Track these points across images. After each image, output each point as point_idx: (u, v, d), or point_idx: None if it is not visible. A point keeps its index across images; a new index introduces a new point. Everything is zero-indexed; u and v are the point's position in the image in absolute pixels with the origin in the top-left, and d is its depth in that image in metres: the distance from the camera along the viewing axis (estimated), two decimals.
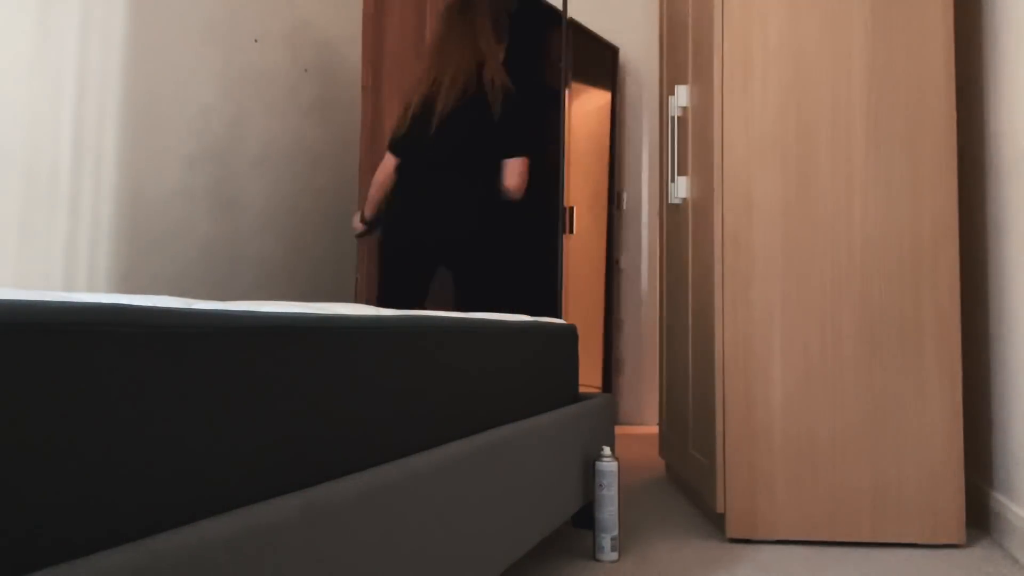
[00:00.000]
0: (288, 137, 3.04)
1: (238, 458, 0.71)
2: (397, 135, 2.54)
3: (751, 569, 1.65)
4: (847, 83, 1.93)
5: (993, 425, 1.97)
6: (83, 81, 2.18)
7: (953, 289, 1.87)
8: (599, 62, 4.05)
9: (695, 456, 2.15)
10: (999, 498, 1.89)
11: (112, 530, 0.58)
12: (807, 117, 1.93)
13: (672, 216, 2.59)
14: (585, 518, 1.92)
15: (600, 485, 1.68)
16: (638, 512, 2.15)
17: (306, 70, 3.15)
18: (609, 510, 1.68)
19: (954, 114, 1.91)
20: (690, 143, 2.29)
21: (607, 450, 1.72)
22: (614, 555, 1.69)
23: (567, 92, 3.65)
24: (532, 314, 2.58)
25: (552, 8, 3.11)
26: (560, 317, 2.64)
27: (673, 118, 2.42)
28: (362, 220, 2.65)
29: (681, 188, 2.33)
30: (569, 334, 1.90)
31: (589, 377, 4.03)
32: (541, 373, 1.65)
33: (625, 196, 4.17)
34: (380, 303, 2.53)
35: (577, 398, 1.95)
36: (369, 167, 2.79)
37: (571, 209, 3.50)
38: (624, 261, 4.15)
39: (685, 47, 2.41)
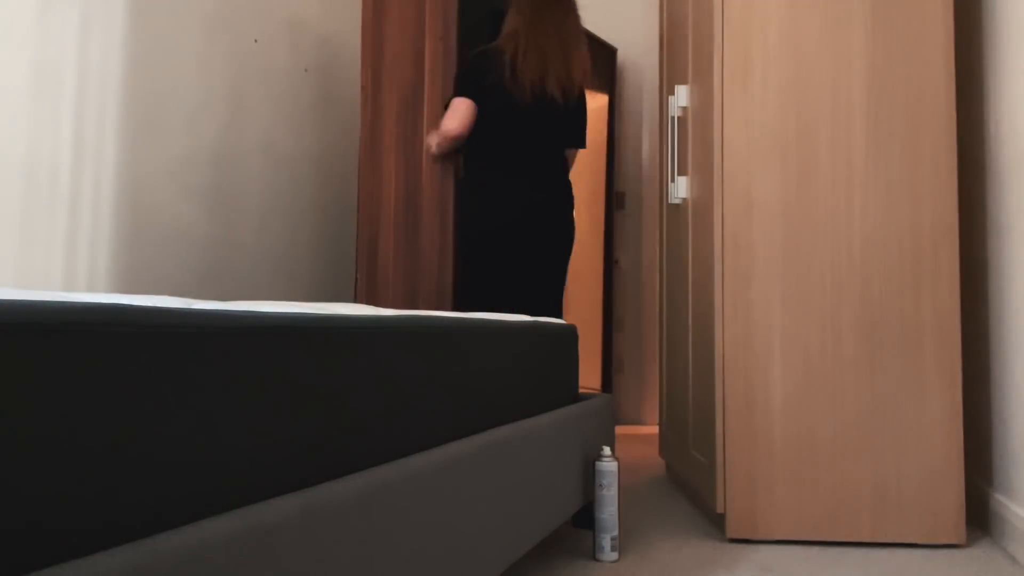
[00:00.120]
0: (288, 137, 3.04)
1: (238, 458, 0.71)
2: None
3: (751, 569, 1.65)
4: (847, 83, 1.93)
5: (993, 425, 1.97)
6: (83, 81, 2.18)
7: (953, 289, 1.87)
8: (598, 62, 4.05)
9: (695, 456, 2.15)
10: (999, 498, 1.89)
11: (112, 530, 0.58)
12: (807, 117, 1.93)
13: (672, 216, 2.59)
14: (585, 518, 1.92)
15: (600, 485, 1.68)
16: (638, 512, 2.15)
17: (306, 70, 3.15)
18: (609, 510, 1.68)
19: (954, 114, 1.91)
20: (690, 143, 2.29)
21: (607, 450, 1.72)
22: (614, 555, 1.69)
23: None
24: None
25: None
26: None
27: (673, 118, 2.42)
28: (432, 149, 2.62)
29: (681, 188, 2.33)
30: (569, 334, 1.90)
31: (589, 377, 4.03)
32: (541, 373, 1.65)
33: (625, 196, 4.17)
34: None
35: (577, 398, 1.95)
36: (369, 167, 2.79)
37: None
38: (624, 261, 4.15)
39: (685, 47, 2.41)
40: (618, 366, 4.07)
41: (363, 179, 2.81)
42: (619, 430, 3.94)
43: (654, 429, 4.00)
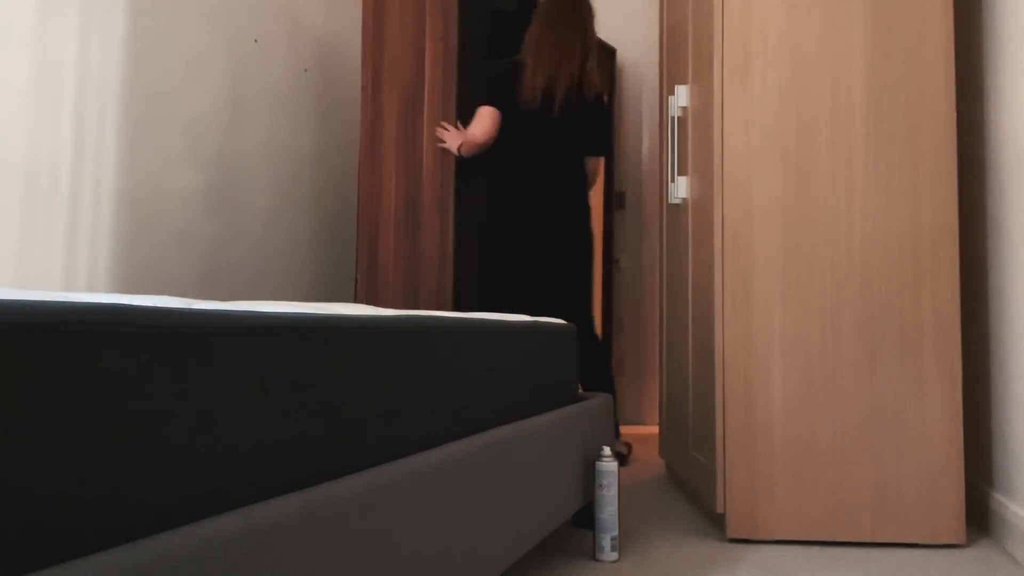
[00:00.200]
0: (288, 137, 3.04)
1: (238, 458, 0.71)
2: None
3: (751, 569, 1.65)
4: (847, 83, 1.93)
5: (993, 425, 1.97)
6: (83, 81, 2.18)
7: (953, 289, 1.87)
8: (597, 63, 4.04)
9: (695, 456, 2.15)
10: (999, 498, 1.89)
11: (112, 530, 0.58)
12: (807, 117, 1.93)
13: (672, 216, 2.59)
14: (585, 518, 1.92)
15: (600, 485, 1.68)
16: (638, 512, 2.15)
17: (306, 70, 3.15)
18: (609, 510, 1.68)
19: (954, 114, 1.91)
20: (690, 143, 2.29)
21: (607, 450, 1.72)
22: (614, 555, 1.69)
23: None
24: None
25: None
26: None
27: (673, 118, 2.42)
28: (459, 151, 2.67)
29: (681, 188, 2.33)
30: (569, 334, 1.90)
31: None
32: (541, 373, 1.65)
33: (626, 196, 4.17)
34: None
35: (577, 398, 1.95)
36: (369, 167, 2.79)
37: None
38: (624, 261, 4.15)
39: (685, 47, 2.41)
40: (618, 366, 4.07)
41: (363, 179, 2.81)
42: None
43: (654, 429, 4.00)
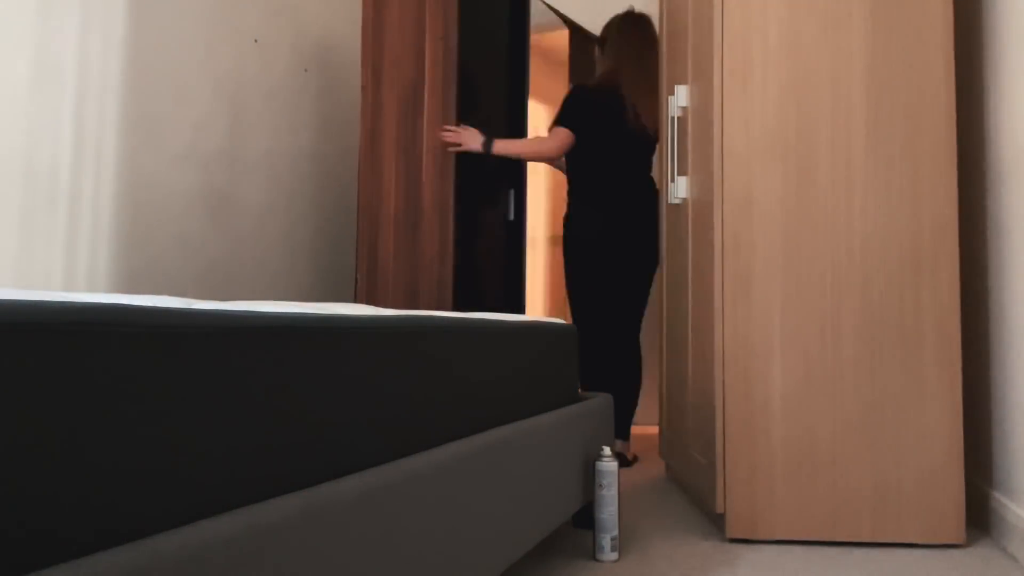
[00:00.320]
0: (288, 137, 3.04)
1: (238, 458, 0.71)
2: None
3: (751, 569, 1.65)
4: (847, 83, 1.93)
5: (993, 425, 1.97)
6: (83, 81, 2.18)
7: (953, 289, 1.87)
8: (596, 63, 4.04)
9: (695, 456, 2.15)
10: (999, 498, 1.89)
11: (112, 530, 0.58)
12: (807, 117, 1.93)
13: (672, 216, 2.59)
14: (585, 518, 1.92)
15: (600, 485, 1.68)
16: (638, 512, 2.15)
17: (306, 70, 3.15)
18: (609, 510, 1.68)
19: (954, 114, 1.91)
20: (690, 143, 2.29)
21: (607, 450, 1.72)
22: (614, 555, 1.69)
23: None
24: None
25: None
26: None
27: (673, 118, 2.42)
28: (484, 148, 2.79)
29: (681, 188, 2.33)
30: (569, 334, 1.90)
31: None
32: (541, 373, 1.65)
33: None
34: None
35: (577, 398, 1.95)
36: (369, 167, 2.79)
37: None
38: None
39: (685, 47, 2.41)
40: None
41: (363, 179, 2.81)
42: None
43: (654, 429, 4.00)
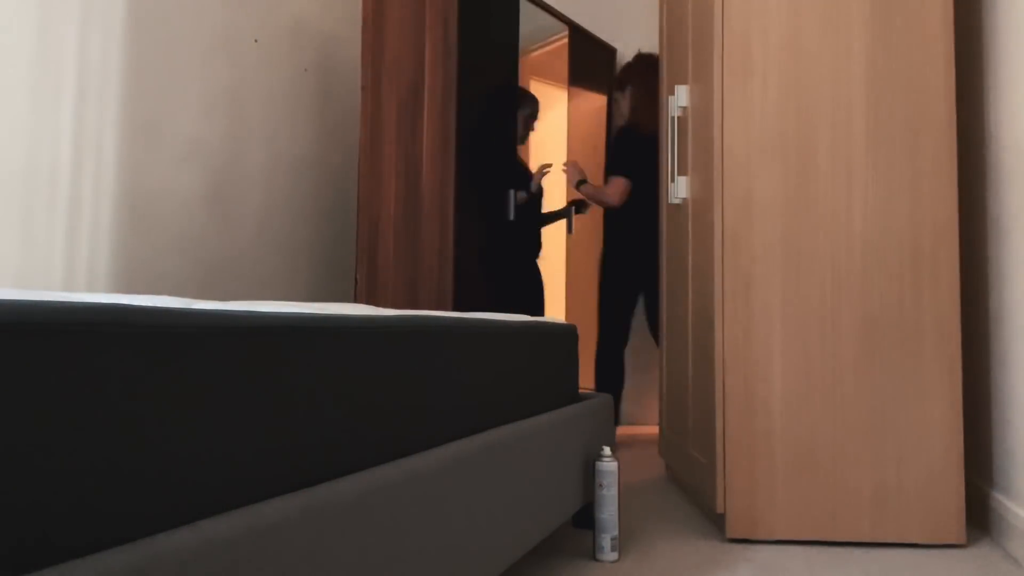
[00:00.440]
0: (288, 137, 3.04)
1: (238, 458, 0.71)
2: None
3: (751, 569, 1.65)
4: (847, 83, 1.93)
5: (993, 425, 1.97)
6: (83, 81, 2.18)
7: (953, 289, 1.87)
8: (597, 63, 4.05)
9: (695, 456, 2.15)
10: (999, 498, 1.89)
11: (112, 530, 0.58)
12: (807, 117, 1.93)
13: (672, 216, 2.59)
14: (585, 518, 1.92)
15: (600, 485, 1.68)
16: (638, 512, 2.15)
17: (306, 70, 3.15)
18: (609, 510, 1.68)
19: (954, 114, 1.91)
20: (690, 143, 2.29)
21: (607, 450, 1.72)
22: (614, 555, 1.69)
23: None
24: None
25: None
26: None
27: (673, 118, 2.42)
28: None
29: (681, 188, 2.33)
30: (569, 334, 1.90)
31: (589, 378, 4.02)
32: (541, 373, 1.65)
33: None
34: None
35: (577, 398, 1.95)
36: (369, 167, 2.79)
37: (571, 209, 3.52)
38: None
39: (685, 47, 2.41)
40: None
41: (363, 179, 2.81)
42: (619, 430, 3.93)
43: (654, 429, 4.00)
